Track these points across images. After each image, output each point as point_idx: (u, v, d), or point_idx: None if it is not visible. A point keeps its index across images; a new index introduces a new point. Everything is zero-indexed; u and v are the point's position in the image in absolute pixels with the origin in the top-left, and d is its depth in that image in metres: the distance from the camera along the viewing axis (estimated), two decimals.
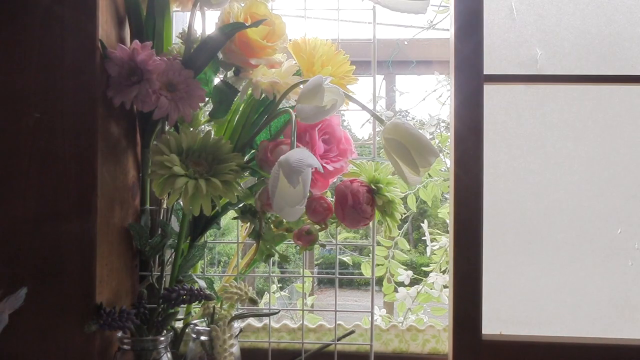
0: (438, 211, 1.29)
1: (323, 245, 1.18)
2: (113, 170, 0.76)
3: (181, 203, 0.75)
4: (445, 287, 1.24)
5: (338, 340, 0.93)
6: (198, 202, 0.67)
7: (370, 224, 0.81)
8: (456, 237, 0.93)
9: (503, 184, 0.99)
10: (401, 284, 1.29)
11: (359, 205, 0.76)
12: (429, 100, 1.34)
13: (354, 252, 1.57)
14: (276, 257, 0.84)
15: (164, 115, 0.71)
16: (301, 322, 0.94)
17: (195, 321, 0.80)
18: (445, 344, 1.00)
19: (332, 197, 0.79)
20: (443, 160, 1.30)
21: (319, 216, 0.77)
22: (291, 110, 0.71)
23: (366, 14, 0.92)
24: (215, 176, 0.69)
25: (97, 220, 0.71)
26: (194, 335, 0.78)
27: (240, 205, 0.80)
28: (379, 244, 1.29)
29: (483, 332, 0.93)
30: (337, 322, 0.94)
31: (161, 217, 0.84)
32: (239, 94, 0.77)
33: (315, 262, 1.99)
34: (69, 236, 0.71)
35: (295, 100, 0.72)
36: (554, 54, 0.99)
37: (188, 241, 0.83)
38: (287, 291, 1.61)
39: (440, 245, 1.28)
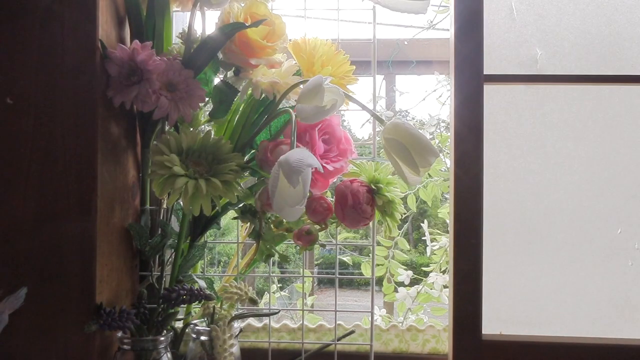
0: (438, 211, 1.29)
1: (323, 245, 1.18)
2: (113, 170, 0.76)
3: (181, 203, 0.75)
4: (445, 287, 1.24)
5: (338, 340, 0.93)
6: (198, 202, 0.67)
7: (370, 224, 0.81)
8: (456, 237, 0.93)
9: (503, 184, 0.99)
10: (401, 284, 1.29)
11: (359, 205, 0.76)
12: (429, 100, 1.34)
13: (354, 252, 1.57)
14: (276, 257, 0.84)
15: (164, 115, 0.71)
16: (301, 322, 0.94)
17: (195, 321, 0.80)
18: (445, 344, 1.00)
19: (332, 197, 0.79)
20: (443, 160, 1.30)
21: (319, 216, 0.77)
22: (291, 110, 0.71)
23: (366, 14, 0.92)
24: (215, 176, 0.69)
25: (97, 220, 0.71)
26: (194, 335, 0.78)
27: (240, 205, 0.80)
28: (379, 244, 1.29)
29: (483, 332, 0.93)
30: (337, 322, 0.94)
31: (161, 217, 0.84)
32: (239, 94, 0.77)
33: (315, 262, 1.99)
34: (69, 236, 0.71)
35: (295, 100, 0.72)
36: (554, 54, 0.99)
37: (188, 241, 0.83)
38: (287, 291, 1.61)
39: (440, 245, 1.28)
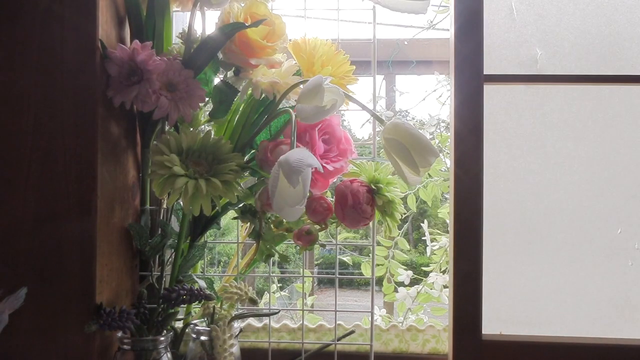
0: (438, 211, 1.29)
1: (323, 245, 1.18)
2: (113, 170, 0.76)
3: (181, 203, 0.75)
4: (445, 287, 1.24)
5: (338, 340, 0.93)
6: (198, 202, 0.67)
7: (370, 224, 0.81)
8: (456, 237, 0.93)
9: (503, 184, 0.99)
10: (401, 284, 1.29)
11: (359, 205, 0.76)
12: (429, 100, 1.34)
13: (354, 252, 1.57)
14: (276, 257, 0.84)
15: (164, 115, 0.71)
16: (301, 322, 0.94)
17: (195, 321, 0.80)
18: (445, 344, 1.00)
19: (332, 197, 0.79)
20: (443, 160, 1.30)
21: (319, 216, 0.77)
22: (291, 110, 0.71)
23: (366, 14, 0.92)
24: (215, 176, 0.69)
25: (97, 220, 0.71)
26: (194, 335, 0.78)
27: (240, 205, 0.80)
28: (379, 244, 1.29)
29: (483, 332, 0.93)
30: (337, 322, 0.94)
31: (161, 217, 0.84)
32: (239, 94, 0.77)
33: (315, 262, 1.99)
34: (69, 236, 0.71)
35: (295, 100, 0.72)
36: (554, 54, 0.99)
37: (188, 241, 0.83)
38: (287, 291, 1.61)
39: (440, 245, 1.28)
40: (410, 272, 1.29)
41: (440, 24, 1.31)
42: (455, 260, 0.94)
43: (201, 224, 0.83)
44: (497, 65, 0.98)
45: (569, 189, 0.99)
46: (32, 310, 0.70)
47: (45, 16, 0.71)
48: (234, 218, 0.84)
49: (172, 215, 0.85)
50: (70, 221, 0.71)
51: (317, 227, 0.79)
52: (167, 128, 0.80)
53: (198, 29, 0.76)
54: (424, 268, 1.31)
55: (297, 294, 1.45)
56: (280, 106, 0.76)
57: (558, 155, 0.99)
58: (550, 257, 0.99)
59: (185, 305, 0.81)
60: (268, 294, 1.12)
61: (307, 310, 1.26)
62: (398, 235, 1.30)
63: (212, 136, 0.72)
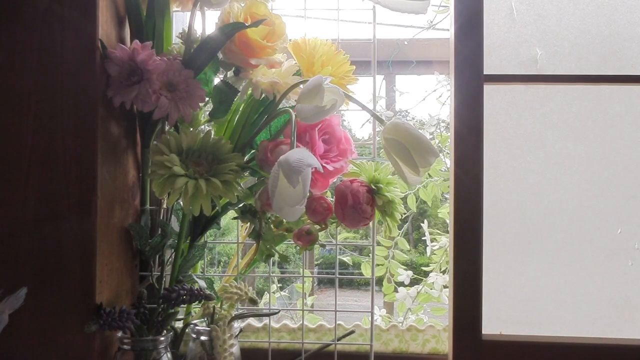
0: (438, 211, 1.29)
1: (323, 245, 1.18)
2: (113, 170, 0.76)
3: (181, 203, 0.75)
4: (445, 287, 1.24)
5: (338, 340, 0.93)
6: (198, 202, 0.67)
7: (370, 224, 0.81)
8: (456, 237, 0.93)
9: (503, 184, 0.99)
10: (401, 284, 1.29)
11: (359, 205, 0.76)
12: (429, 100, 1.34)
13: (354, 252, 1.57)
14: (276, 257, 0.84)
15: (164, 115, 0.71)
16: (301, 322, 0.94)
17: (195, 321, 0.80)
18: (445, 344, 1.00)
19: (332, 197, 0.79)
20: (443, 160, 1.30)
21: (319, 216, 0.77)
22: (291, 110, 0.71)
23: (366, 14, 0.92)
24: (215, 176, 0.69)
25: (97, 220, 0.71)
26: (194, 335, 0.78)
27: (240, 205, 0.80)
28: (379, 244, 1.29)
29: (483, 332, 0.93)
30: (337, 322, 0.94)
31: (161, 217, 0.84)
32: (239, 94, 0.77)
33: (315, 262, 1.99)
34: (69, 236, 0.71)
35: (295, 100, 0.72)
36: (554, 54, 0.99)
37: (188, 241, 0.83)
38: (287, 291, 1.61)
39: (440, 245, 1.28)
40: (410, 272, 1.29)
41: (440, 24, 1.31)
42: (455, 260, 0.94)
43: (201, 224, 0.83)
44: (497, 65, 0.98)
45: (569, 189, 0.99)
46: (32, 310, 0.70)
47: (45, 16, 0.71)
48: (234, 218, 0.84)
49: (172, 215, 0.85)
50: (70, 221, 0.71)
51: (317, 227, 0.79)
52: (167, 128, 0.80)
53: (198, 29, 0.76)
54: (424, 268, 1.31)
55: (297, 294, 1.45)
56: (280, 106, 0.76)
57: (558, 155, 0.99)
58: (550, 257, 0.99)
59: (185, 305, 0.81)
60: (268, 294, 1.12)
61: (307, 310, 1.26)
62: (398, 235, 1.30)
63: (212, 136, 0.72)
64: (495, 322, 0.98)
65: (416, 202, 1.30)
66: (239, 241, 0.94)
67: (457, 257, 0.93)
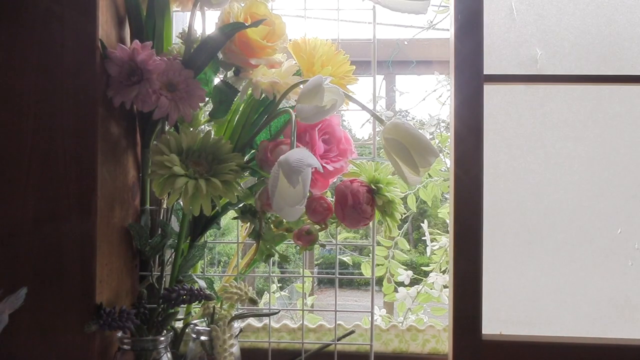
0: (438, 211, 1.29)
1: (323, 245, 1.18)
2: (113, 170, 0.76)
3: (181, 203, 0.75)
4: (445, 287, 1.24)
5: (338, 340, 0.93)
6: (198, 202, 0.67)
7: (370, 224, 0.81)
8: (456, 237, 0.93)
9: (503, 184, 0.99)
10: (401, 284, 1.29)
11: (359, 205, 0.76)
12: (429, 100, 1.34)
13: (354, 252, 1.57)
14: (276, 257, 0.84)
15: (164, 115, 0.71)
16: (301, 322, 0.94)
17: (195, 321, 0.80)
18: (445, 344, 1.00)
19: (332, 197, 0.79)
20: (443, 160, 1.30)
21: (319, 216, 0.77)
22: (291, 110, 0.71)
23: (366, 14, 0.92)
24: (215, 176, 0.69)
25: (97, 220, 0.71)
26: (194, 335, 0.78)
27: (240, 205, 0.80)
28: (379, 244, 1.29)
29: (483, 332, 0.93)
30: (337, 322, 0.94)
31: (161, 217, 0.84)
32: (239, 94, 0.77)
33: (315, 262, 1.99)
34: (69, 236, 0.71)
35: (295, 100, 0.72)
36: (554, 54, 0.99)
37: (188, 241, 0.83)
38: (287, 291, 1.61)
39: (440, 245, 1.28)
40: (410, 272, 1.29)
41: (440, 24, 1.31)
42: (455, 260, 0.94)
43: (201, 224, 0.83)
44: (497, 65, 0.98)
45: (569, 189, 0.99)
46: (32, 310, 0.70)
47: (45, 16, 0.71)
48: (234, 218, 0.84)
49: (172, 215, 0.85)
50: (70, 221, 0.71)
51: (317, 227, 0.79)
52: (167, 128, 0.80)
53: (198, 29, 0.76)
54: (424, 268, 1.31)
55: (297, 294, 1.45)
56: (280, 106, 0.76)
57: (558, 155, 0.99)
58: (550, 257, 0.99)
59: (185, 305, 0.81)
60: (268, 294, 1.12)
61: (307, 310, 1.26)
62: (398, 235, 1.30)
63: (212, 136, 0.72)
64: (495, 322, 0.98)
65: (416, 202, 1.30)
66: (239, 241, 0.94)
67: (457, 257, 0.93)
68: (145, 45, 0.70)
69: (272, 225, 0.80)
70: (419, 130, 0.70)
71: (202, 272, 0.91)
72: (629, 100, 0.99)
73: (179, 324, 0.86)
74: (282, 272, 1.70)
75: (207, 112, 0.81)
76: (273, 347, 0.96)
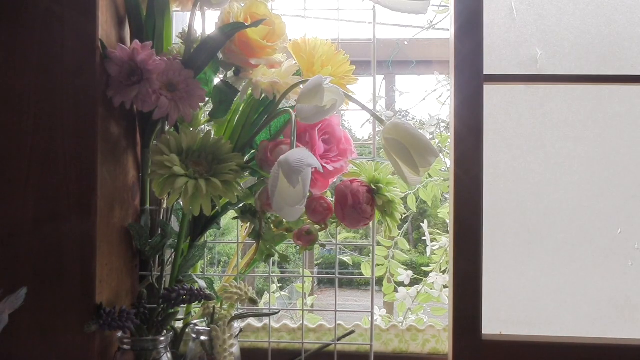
0: (438, 211, 1.29)
1: (323, 245, 1.18)
2: (113, 170, 0.76)
3: (181, 203, 0.75)
4: (445, 287, 1.24)
5: (338, 340, 0.93)
6: (198, 202, 0.67)
7: (370, 224, 0.81)
8: (456, 237, 0.93)
9: (503, 184, 0.99)
10: (401, 284, 1.29)
11: (359, 205, 0.76)
12: (429, 100, 1.34)
13: (354, 252, 1.57)
14: (276, 257, 0.84)
15: (164, 115, 0.71)
16: (301, 322, 0.94)
17: (195, 321, 0.80)
18: (445, 344, 1.00)
19: (332, 197, 0.79)
20: (443, 160, 1.30)
21: (319, 216, 0.77)
22: (291, 110, 0.71)
23: (366, 14, 0.92)
24: (215, 176, 0.69)
25: (97, 220, 0.71)
26: (194, 335, 0.78)
27: (240, 205, 0.80)
28: (379, 244, 1.29)
29: (483, 332, 0.93)
30: (337, 322, 0.94)
31: (161, 217, 0.84)
32: (239, 94, 0.77)
33: (315, 262, 1.99)
34: (69, 236, 0.71)
35: (295, 100, 0.72)
36: (554, 54, 0.99)
37: (188, 241, 0.83)
38: (287, 291, 1.61)
39: (440, 245, 1.28)
40: (410, 272, 1.29)
41: (440, 24, 1.31)
42: (455, 260, 0.94)
43: (201, 224, 0.83)
44: (497, 65, 0.98)
45: (569, 189, 0.99)
46: (32, 310, 0.70)
47: (45, 16, 0.71)
48: (234, 218, 0.84)
49: (172, 215, 0.85)
50: (70, 221, 0.71)
51: (317, 227, 0.79)
52: (167, 128, 0.80)
53: (198, 29, 0.76)
54: (424, 268, 1.31)
55: (297, 294, 1.45)
56: (280, 106, 0.76)
57: (558, 155, 0.99)
58: (550, 257, 0.99)
59: (185, 305, 0.81)
60: (268, 294, 1.12)
61: (307, 310, 1.26)
62: (398, 235, 1.30)
63: (212, 136, 0.72)
64: (495, 322, 0.98)
65: (416, 202, 1.30)
66: (239, 241, 0.94)
67: (457, 257, 0.93)
68: (145, 45, 0.70)
69: (272, 225, 0.80)
70: (419, 130, 0.70)
71: (202, 272, 0.91)
72: (629, 100, 0.99)
73: (179, 324, 0.86)
74: (282, 272, 1.70)
75: (207, 112, 0.81)
76: (273, 347, 0.96)
